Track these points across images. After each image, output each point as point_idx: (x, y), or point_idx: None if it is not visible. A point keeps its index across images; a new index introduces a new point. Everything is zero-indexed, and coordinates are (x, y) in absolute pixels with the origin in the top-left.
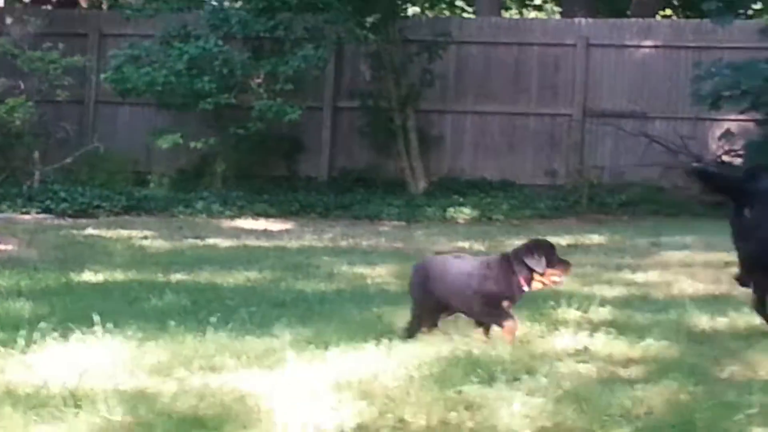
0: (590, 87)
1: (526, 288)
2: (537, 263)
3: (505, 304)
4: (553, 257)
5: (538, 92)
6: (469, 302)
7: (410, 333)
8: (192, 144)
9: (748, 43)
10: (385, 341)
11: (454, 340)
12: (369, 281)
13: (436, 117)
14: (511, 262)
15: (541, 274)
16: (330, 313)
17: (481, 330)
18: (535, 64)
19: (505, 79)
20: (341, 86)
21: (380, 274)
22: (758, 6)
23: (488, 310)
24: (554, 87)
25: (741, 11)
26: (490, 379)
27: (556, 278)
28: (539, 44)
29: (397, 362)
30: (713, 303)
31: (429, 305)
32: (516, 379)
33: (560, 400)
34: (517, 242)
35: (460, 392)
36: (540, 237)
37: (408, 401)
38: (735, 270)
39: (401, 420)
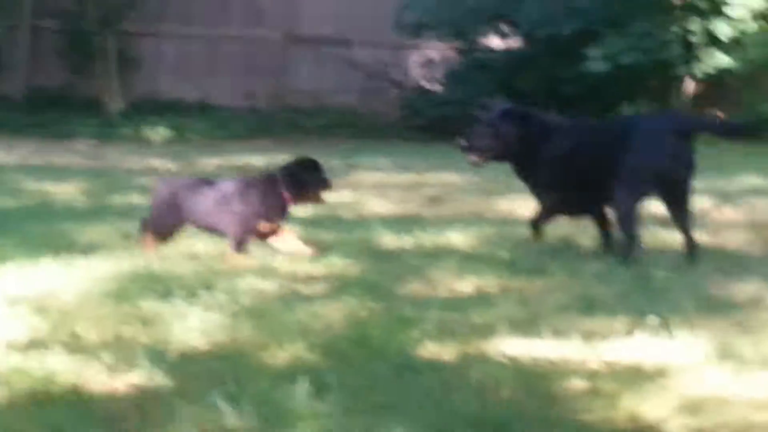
0: (295, 12)
1: (290, 206)
2: (310, 179)
3: (264, 226)
4: (322, 174)
5: (242, 16)
6: (225, 224)
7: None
8: None
9: None
10: (65, 257)
11: (135, 255)
12: (56, 198)
13: (137, 39)
14: (276, 182)
15: (315, 191)
16: (11, 229)
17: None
18: None
19: (210, 3)
20: (42, 5)
21: (69, 191)
22: None
23: (239, 230)
24: (258, 11)
25: None
26: (167, 295)
27: (323, 195)
28: None
29: (76, 278)
30: (401, 223)
31: (173, 224)
32: (194, 295)
33: (237, 315)
34: (211, 161)
35: (136, 307)
36: (304, 155)
37: (83, 316)
38: (428, 192)
39: (74, 334)
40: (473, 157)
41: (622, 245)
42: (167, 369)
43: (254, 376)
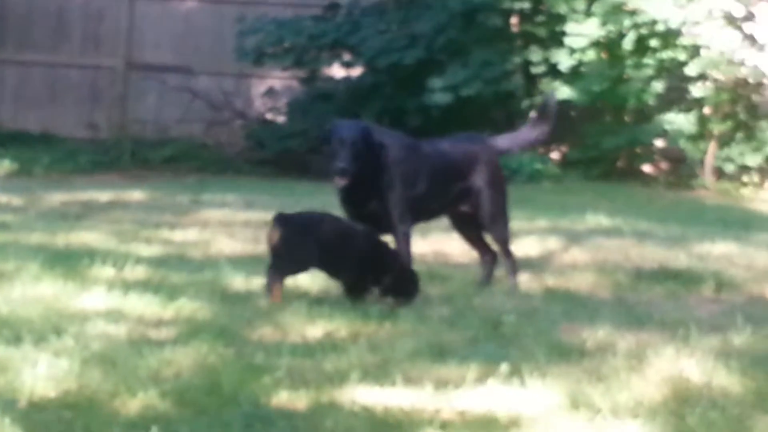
0: (134, 39)
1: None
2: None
3: None
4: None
5: (82, 43)
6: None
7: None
8: None
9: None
10: None
11: None
12: None
13: None
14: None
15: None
16: None
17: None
18: (79, 13)
19: (48, 29)
20: None
21: None
22: None
23: None
24: (98, 38)
25: None
26: (16, 340)
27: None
28: None
29: None
30: (250, 263)
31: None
32: (43, 340)
33: (87, 361)
34: (56, 197)
35: None
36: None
37: None
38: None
39: None
40: (343, 180)
41: None
42: (16, 418)
43: (105, 426)
